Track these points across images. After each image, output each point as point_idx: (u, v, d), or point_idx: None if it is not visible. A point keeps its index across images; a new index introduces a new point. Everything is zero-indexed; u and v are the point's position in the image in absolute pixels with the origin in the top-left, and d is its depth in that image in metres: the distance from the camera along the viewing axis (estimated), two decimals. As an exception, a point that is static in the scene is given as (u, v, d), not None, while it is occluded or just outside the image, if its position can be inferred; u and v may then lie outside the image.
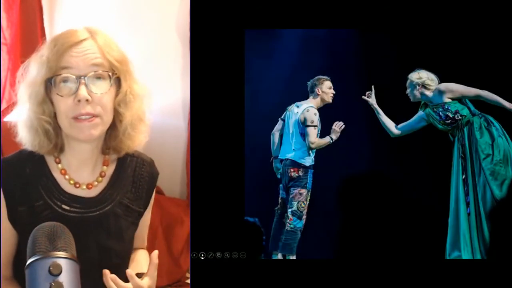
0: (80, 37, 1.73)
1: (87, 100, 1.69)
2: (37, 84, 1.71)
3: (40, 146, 1.75)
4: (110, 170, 1.88)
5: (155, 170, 1.98)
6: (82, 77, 1.69)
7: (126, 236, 1.89)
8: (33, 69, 1.73)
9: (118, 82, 1.77)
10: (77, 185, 1.81)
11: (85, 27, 1.78)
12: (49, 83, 1.70)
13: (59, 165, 1.80)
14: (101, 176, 1.85)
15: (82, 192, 1.82)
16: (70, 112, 1.70)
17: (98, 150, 1.84)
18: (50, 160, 1.81)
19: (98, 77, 1.72)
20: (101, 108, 1.72)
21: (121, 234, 1.86)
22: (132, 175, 1.91)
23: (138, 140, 1.86)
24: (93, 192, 1.83)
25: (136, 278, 1.73)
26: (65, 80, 1.70)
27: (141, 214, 1.94)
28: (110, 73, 1.73)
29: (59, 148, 1.78)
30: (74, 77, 1.69)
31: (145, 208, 1.95)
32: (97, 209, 1.82)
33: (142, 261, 2.01)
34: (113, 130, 1.80)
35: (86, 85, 1.69)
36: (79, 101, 1.69)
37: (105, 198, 1.84)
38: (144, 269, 1.90)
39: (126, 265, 1.92)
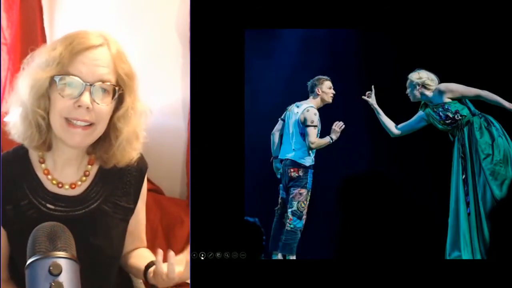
0: (96, 42, 1.71)
1: (87, 108, 1.69)
2: (43, 77, 1.70)
3: (30, 139, 1.74)
4: (94, 168, 1.87)
5: (143, 164, 1.97)
6: (89, 84, 1.68)
7: (115, 233, 1.88)
8: (43, 60, 1.71)
9: (120, 98, 1.76)
10: (60, 185, 1.81)
11: (100, 33, 1.76)
12: (54, 80, 1.70)
13: (43, 165, 1.80)
14: (85, 175, 1.85)
15: (66, 191, 1.81)
16: (65, 113, 1.69)
17: (84, 151, 1.83)
18: (34, 160, 1.80)
19: (104, 89, 1.71)
20: (97, 118, 1.72)
21: (109, 232, 1.86)
22: (119, 171, 1.90)
23: (130, 155, 1.85)
24: (77, 191, 1.83)
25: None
26: (70, 82, 1.69)
27: (131, 210, 1.93)
28: (116, 88, 1.73)
29: (47, 145, 1.77)
30: (81, 81, 1.68)
31: (135, 203, 1.94)
32: (82, 208, 1.82)
33: (147, 255, 2.00)
34: (106, 142, 1.79)
35: (91, 93, 1.68)
36: (79, 106, 1.68)
37: (90, 196, 1.84)
38: (151, 259, 1.89)
39: (116, 263, 1.92)
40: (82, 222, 1.81)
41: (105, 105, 1.72)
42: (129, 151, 1.83)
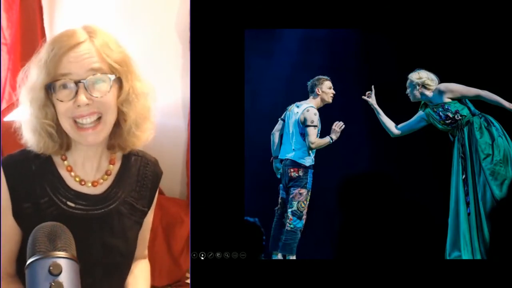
0: (78, 39, 1.70)
1: (87, 104, 1.69)
2: (37, 89, 1.70)
3: (45, 148, 1.75)
4: (115, 168, 1.88)
5: (159, 170, 1.98)
6: (81, 82, 1.68)
7: (130, 235, 1.89)
8: (33, 74, 1.72)
9: (119, 82, 1.76)
10: (83, 183, 1.81)
11: (84, 26, 1.75)
12: (49, 88, 1.70)
13: (65, 162, 1.80)
14: (107, 174, 1.85)
15: (88, 190, 1.82)
16: (69, 113, 1.70)
17: (103, 146, 1.84)
18: (56, 157, 1.81)
19: (98, 80, 1.71)
20: (103, 108, 1.72)
21: (125, 233, 1.86)
22: (137, 174, 1.91)
23: (144, 138, 1.85)
24: (98, 190, 1.83)
25: None
26: (64, 85, 1.69)
27: (145, 214, 1.93)
28: (109, 76, 1.72)
29: (65, 147, 1.78)
30: (72, 82, 1.68)
31: (149, 207, 1.95)
32: (102, 207, 1.82)
33: (139, 275, 2.00)
34: (118, 128, 1.80)
35: (86, 88, 1.68)
36: (79, 106, 1.69)
37: (110, 196, 1.84)
38: (139, 285, 1.92)
39: (129, 264, 1.92)
40: (100, 222, 1.81)
41: (104, 95, 1.71)
42: (139, 134, 1.83)
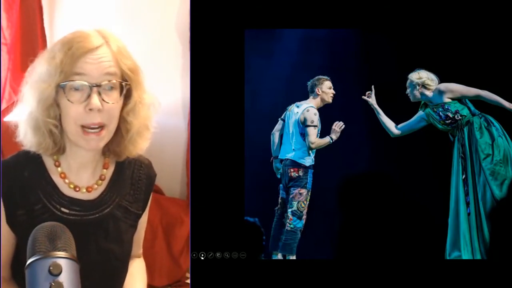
0: (96, 43, 1.69)
1: (99, 110, 1.67)
2: (49, 88, 1.68)
3: (45, 148, 1.73)
4: (109, 172, 1.87)
5: (152, 172, 1.97)
6: (96, 86, 1.67)
7: (125, 238, 1.88)
8: (44, 71, 1.69)
9: (128, 92, 1.75)
10: (77, 189, 1.80)
11: (98, 31, 1.73)
12: (60, 88, 1.68)
13: (59, 169, 1.79)
14: (101, 179, 1.84)
15: (82, 195, 1.80)
16: (79, 120, 1.68)
17: (99, 153, 1.83)
18: (49, 163, 1.79)
19: (111, 87, 1.70)
20: (109, 117, 1.70)
21: (120, 237, 1.85)
22: (131, 177, 1.90)
23: (141, 146, 1.85)
24: (92, 195, 1.82)
25: None
26: (77, 87, 1.68)
27: (139, 216, 1.93)
28: (123, 83, 1.72)
29: (61, 150, 1.77)
30: (87, 84, 1.67)
31: (144, 210, 1.94)
32: (96, 212, 1.81)
33: (136, 274, 2.00)
34: (117, 136, 1.79)
35: (99, 93, 1.67)
36: (90, 109, 1.67)
37: (105, 201, 1.83)
38: (136, 284, 1.92)
39: (125, 267, 1.92)
40: (95, 226, 1.80)
41: (114, 103, 1.70)
42: (140, 143, 1.83)
